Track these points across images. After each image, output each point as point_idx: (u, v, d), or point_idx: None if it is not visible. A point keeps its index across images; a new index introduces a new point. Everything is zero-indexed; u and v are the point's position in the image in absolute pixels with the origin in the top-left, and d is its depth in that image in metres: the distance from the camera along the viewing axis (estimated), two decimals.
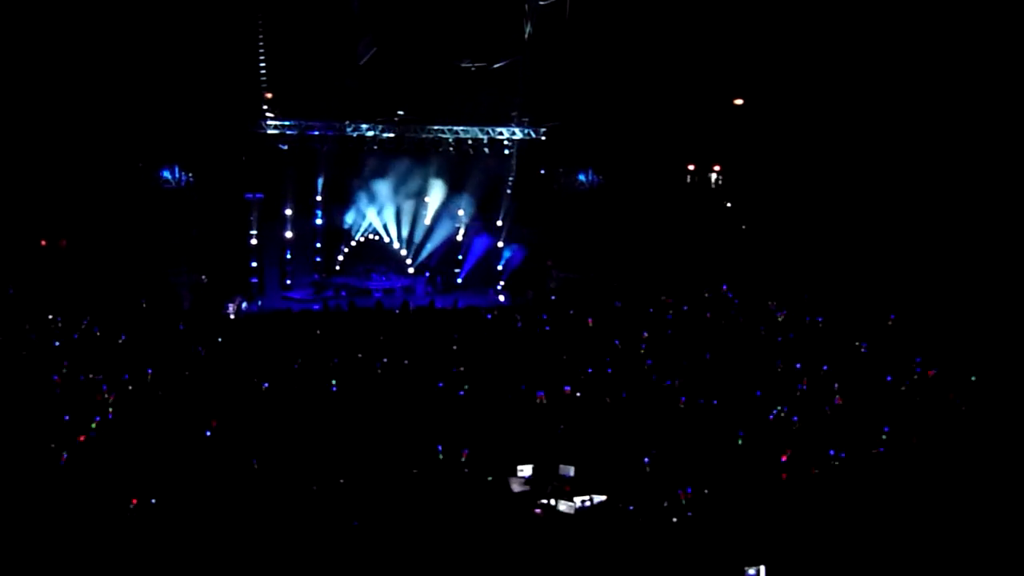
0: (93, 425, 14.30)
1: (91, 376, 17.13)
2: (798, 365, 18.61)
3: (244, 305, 26.94)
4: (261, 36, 24.91)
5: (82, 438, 13.77)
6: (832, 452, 13.75)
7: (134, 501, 11.19)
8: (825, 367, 18.53)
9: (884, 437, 14.39)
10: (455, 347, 20.60)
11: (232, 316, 25.40)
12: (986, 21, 21.59)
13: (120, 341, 20.17)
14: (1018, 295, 21.41)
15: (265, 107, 26.50)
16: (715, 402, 16.42)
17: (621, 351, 20.32)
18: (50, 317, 21.48)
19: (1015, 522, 10.89)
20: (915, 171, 25.12)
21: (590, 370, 18.43)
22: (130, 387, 16.71)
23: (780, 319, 23.35)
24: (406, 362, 19.16)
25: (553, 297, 28.16)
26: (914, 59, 23.51)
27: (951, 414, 15.67)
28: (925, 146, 24.72)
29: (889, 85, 24.52)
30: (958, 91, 23.38)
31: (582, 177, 30.77)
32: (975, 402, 16.11)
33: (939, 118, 23.98)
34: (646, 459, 13.47)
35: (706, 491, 12.24)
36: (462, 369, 18.58)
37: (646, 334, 21.64)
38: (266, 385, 17.14)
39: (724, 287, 27.14)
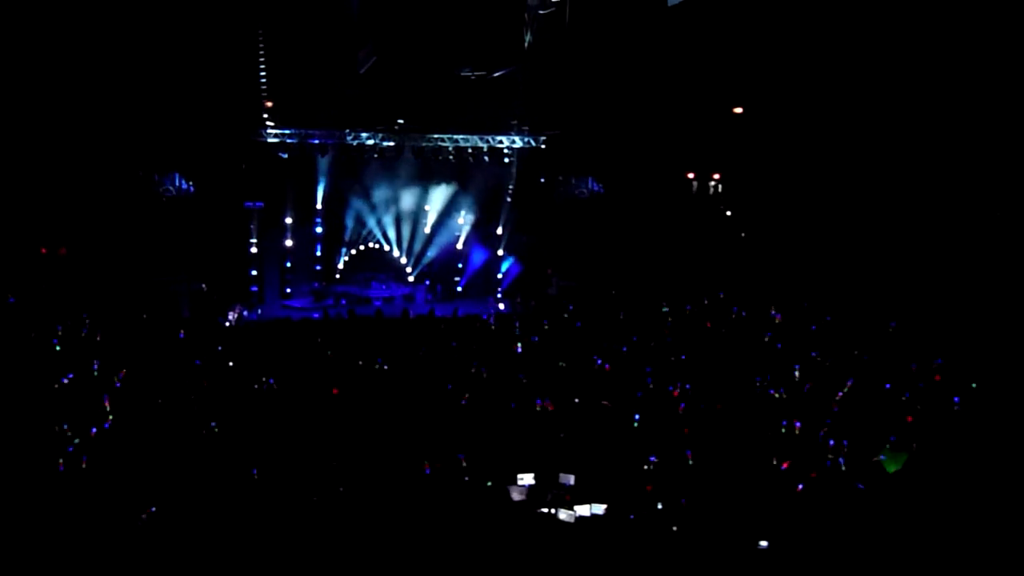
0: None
1: (90, 383, 17.12)
2: (796, 371, 18.62)
3: (244, 313, 26.92)
4: (261, 45, 24.99)
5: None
6: (828, 462, 13.73)
7: (148, 511, 11.15)
8: (825, 373, 18.53)
9: (886, 445, 14.36)
10: (455, 355, 20.61)
11: (231, 324, 25.39)
12: (986, 23, 21.64)
13: (119, 349, 20.14)
14: (1019, 300, 21.42)
15: (265, 116, 26.56)
16: (715, 407, 16.41)
17: (621, 357, 20.31)
18: (50, 324, 21.45)
19: (1016, 527, 10.83)
20: (915, 179, 25.16)
21: (584, 380, 18.42)
22: (129, 395, 16.67)
23: (777, 321, 23.40)
24: (406, 370, 19.15)
25: (552, 304, 28.16)
26: (913, 67, 23.57)
27: (952, 420, 15.64)
28: (924, 154, 24.77)
29: (888, 93, 24.57)
30: (957, 101, 23.44)
31: (582, 186, 30.78)
32: (976, 408, 16.08)
33: (938, 127, 24.04)
34: (646, 466, 13.45)
35: (704, 499, 12.20)
36: (462, 376, 18.56)
37: (646, 341, 21.63)
38: (266, 388, 17.13)
39: (721, 294, 27.15)
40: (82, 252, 25.49)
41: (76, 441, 14.00)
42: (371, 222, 30.27)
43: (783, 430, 15.48)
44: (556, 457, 13.90)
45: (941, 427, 15.39)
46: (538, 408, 16.50)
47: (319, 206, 29.50)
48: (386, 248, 31.04)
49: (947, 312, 22.49)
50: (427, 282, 31.14)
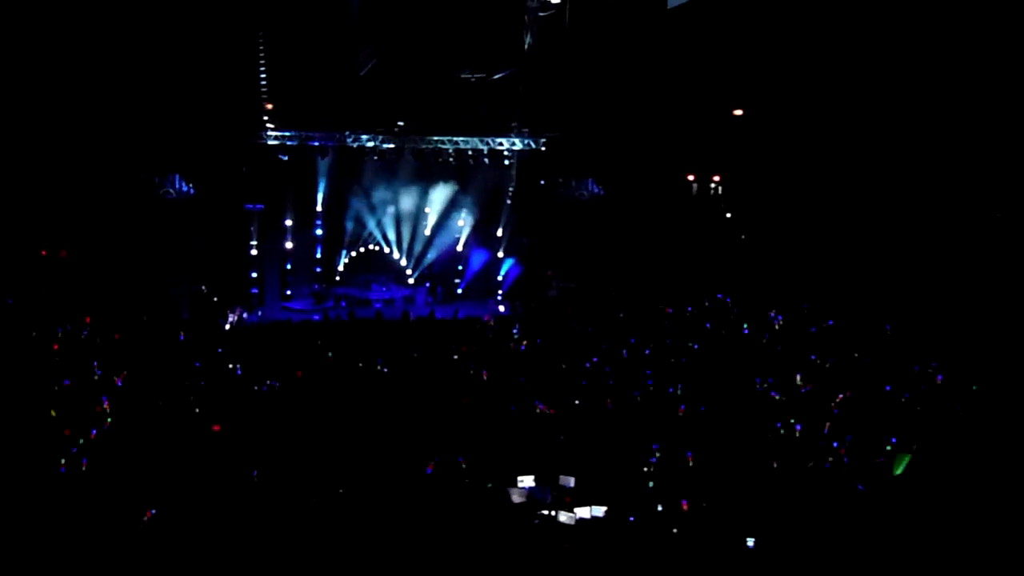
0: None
1: (90, 385, 17.10)
2: (798, 374, 18.61)
3: (244, 315, 26.90)
4: (262, 47, 25.00)
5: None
6: (828, 465, 13.71)
7: (148, 514, 11.14)
8: (825, 376, 18.52)
9: (888, 448, 14.35)
10: (455, 356, 20.61)
11: (231, 326, 25.36)
12: (985, 24, 21.65)
13: (119, 351, 20.14)
14: (1018, 302, 21.42)
15: (265, 118, 26.55)
16: (715, 408, 16.40)
17: (621, 360, 20.30)
18: (50, 326, 21.44)
19: (1017, 529, 10.82)
20: (914, 181, 25.16)
21: (584, 383, 18.39)
22: (129, 397, 16.66)
23: (777, 326, 23.39)
24: (406, 371, 19.14)
25: (552, 306, 28.16)
26: (912, 69, 23.57)
27: (952, 422, 15.63)
28: (924, 156, 24.77)
29: (887, 96, 24.57)
30: (956, 103, 23.44)
31: (582, 187, 30.77)
32: (976, 410, 16.07)
33: (937, 129, 24.04)
34: (646, 468, 13.44)
35: (705, 503, 12.20)
36: (462, 378, 18.56)
37: (646, 342, 21.61)
38: (265, 390, 17.12)
39: (720, 296, 27.16)
40: (82, 254, 25.48)
41: (80, 441, 13.99)
42: (371, 224, 30.26)
43: (782, 432, 15.48)
44: (556, 459, 13.89)
45: (941, 428, 15.39)
46: (538, 411, 16.48)
47: (319, 208, 29.48)
48: (386, 250, 31.03)
49: (947, 314, 22.50)
50: (427, 284, 31.13)
